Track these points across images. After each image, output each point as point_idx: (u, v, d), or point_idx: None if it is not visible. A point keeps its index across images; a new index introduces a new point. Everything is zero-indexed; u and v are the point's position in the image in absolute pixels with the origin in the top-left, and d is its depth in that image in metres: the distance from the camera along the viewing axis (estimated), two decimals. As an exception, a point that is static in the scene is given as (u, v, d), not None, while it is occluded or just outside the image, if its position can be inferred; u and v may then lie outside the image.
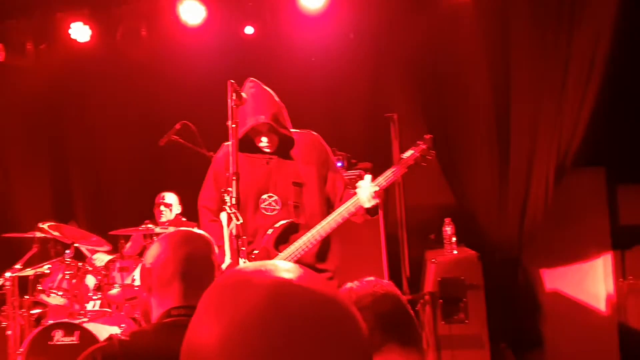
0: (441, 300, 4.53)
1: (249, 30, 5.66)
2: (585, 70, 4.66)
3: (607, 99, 4.57)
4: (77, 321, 4.25)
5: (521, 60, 5.11)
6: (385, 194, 3.06)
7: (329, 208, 3.25)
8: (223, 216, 2.81)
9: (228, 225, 2.62)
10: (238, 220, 2.49)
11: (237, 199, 2.57)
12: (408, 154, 3.09)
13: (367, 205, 3.02)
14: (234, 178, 2.61)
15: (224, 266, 2.81)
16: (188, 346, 0.71)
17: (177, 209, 5.55)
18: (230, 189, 2.59)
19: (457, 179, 5.48)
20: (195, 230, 2.00)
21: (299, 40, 5.78)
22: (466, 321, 4.50)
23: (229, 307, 0.68)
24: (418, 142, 3.12)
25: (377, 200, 3.01)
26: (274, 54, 5.77)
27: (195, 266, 1.85)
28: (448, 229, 4.81)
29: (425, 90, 5.56)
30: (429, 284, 4.64)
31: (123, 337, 1.72)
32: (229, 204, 2.54)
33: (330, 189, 3.28)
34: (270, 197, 3.20)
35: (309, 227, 3.12)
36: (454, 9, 5.38)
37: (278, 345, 0.64)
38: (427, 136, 3.13)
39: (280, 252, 3.12)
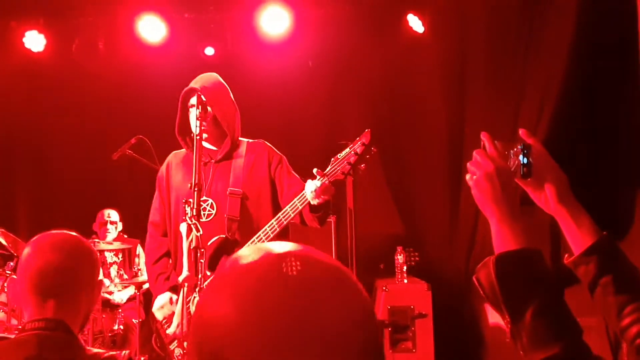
0: (389, 328, 4.53)
1: (209, 51, 5.65)
2: (536, 107, 4.81)
3: (556, 137, 4.72)
4: (12, 337, 4.04)
5: (476, 94, 5.26)
6: (333, 199, 2.83)
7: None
8: (183, 227, 2.72)
9: (187, 236, 2.55)
10: (198, 231, 2.44)
11: (198, 209, 2.53)
12: (344, 153, 2.75)
13: (312, 199, 2.73)
14: (195, 189, 2.57)
15: (180, 278, 2.73)
16: (201, 320, 0.73)
17: (120, 226, 5.51)
18: (190, 200, 2.55)
19: (409, 209, 5.54)
20: None
21: (258, 65, 5.80)
22: (414, 350, 4.51)
23: (238, 281, 0.72)
24: (357, 138, 2.76)
25: (322, 197, 2.73)
26: (233, 77, 5.69)
27: None
28: (400, 258, 4.85)
29: (380, 119, 5.64)
30: (378, 312, 4.64)
31: None
32: (189, 214, 2.50)
33: (284, 194, 3.04)
34: (204, 201, 2.92)
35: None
36: (411, 41, 5.52)
37: (287, 306, 0.68)
38: (367, 131, 2.76)
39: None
